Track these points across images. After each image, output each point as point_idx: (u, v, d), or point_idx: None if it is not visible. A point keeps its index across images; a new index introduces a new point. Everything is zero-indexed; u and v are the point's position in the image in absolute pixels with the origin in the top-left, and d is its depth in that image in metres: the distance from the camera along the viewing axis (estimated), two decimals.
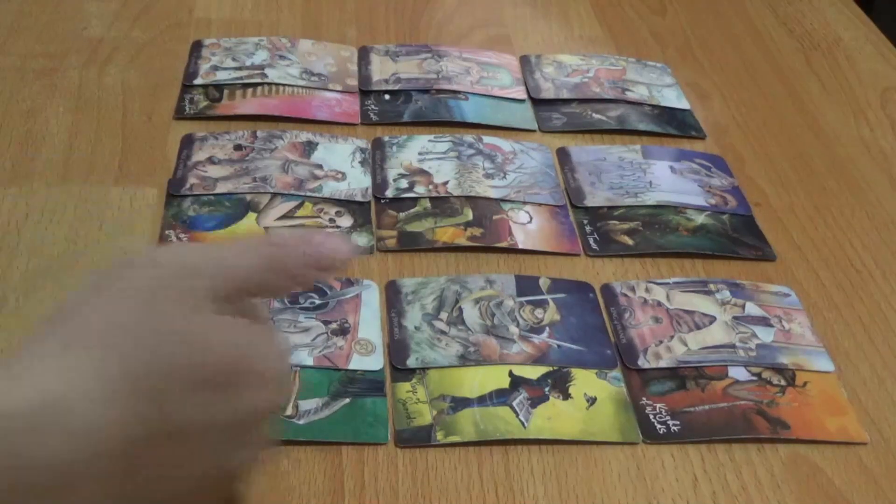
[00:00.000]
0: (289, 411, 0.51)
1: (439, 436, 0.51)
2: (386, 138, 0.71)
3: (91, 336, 0.35)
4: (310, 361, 0.53)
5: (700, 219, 0.66)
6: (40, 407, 0.33)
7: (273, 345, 0.40)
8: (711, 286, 0.61)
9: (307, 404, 0.51)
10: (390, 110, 0.74)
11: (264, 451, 0.40)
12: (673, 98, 0.79)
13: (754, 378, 0.56)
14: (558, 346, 0.56)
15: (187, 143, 0.68)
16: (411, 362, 0.54)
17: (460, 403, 0.52)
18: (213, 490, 0.40)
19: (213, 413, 0.37)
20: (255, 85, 0.74)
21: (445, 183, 0.67)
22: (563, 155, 0.71)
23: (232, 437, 0.38)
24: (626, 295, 0.60)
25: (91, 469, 0.34)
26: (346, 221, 0.63)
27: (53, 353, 0.34)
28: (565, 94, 0.78)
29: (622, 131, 0.75)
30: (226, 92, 0.73)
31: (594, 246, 0.64)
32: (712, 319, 0.59)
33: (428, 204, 0.65)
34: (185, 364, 0.36)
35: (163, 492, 0.37)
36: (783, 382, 0.56)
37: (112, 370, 0.34)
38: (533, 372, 0.54)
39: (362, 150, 0.69)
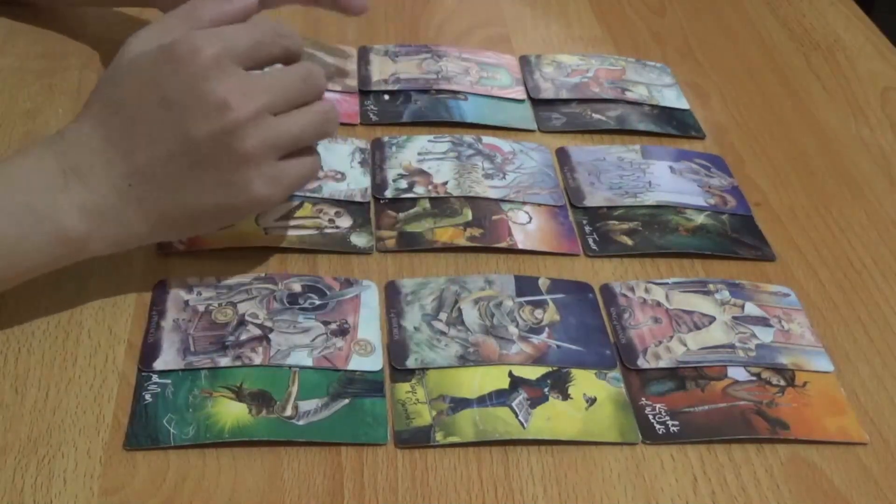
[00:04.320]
0: (288, 412, 0.51)
1: (439, 436, 0.51)
2: (385, 138, 0.71)
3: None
4: (309, 362, 0.53)
5: (699, 219, 0.66)
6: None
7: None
8: (711, 286, 0.61)
9: (306, 405, 0.51)
10: (390, 110, 0.74)
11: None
12: (672, 98, 0.79)
13: (754, 378, 0.56)
14: (558, 346, 0.56)
15: None
16: (410, 363, 0.54)
17: (460, 404, 0.52)
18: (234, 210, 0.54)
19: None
20: None
21: (445, 183, 0.67)
22: (562, 155, 0.71)
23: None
24: (625, 295, 0.60)
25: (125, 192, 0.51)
26: (345, 222, 0.63)
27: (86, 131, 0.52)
28: (565, 94, 0.77)
29: (622, 131, 0.75)
30: None
31: (593, 246, 0.64)
32: (712, 320, 0.59)
33: (427, 204, 0.65)
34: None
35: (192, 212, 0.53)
36: (783, 382, 0.56)
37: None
38: (532, 372, 0.54)
39: (362, 151, 0.69)
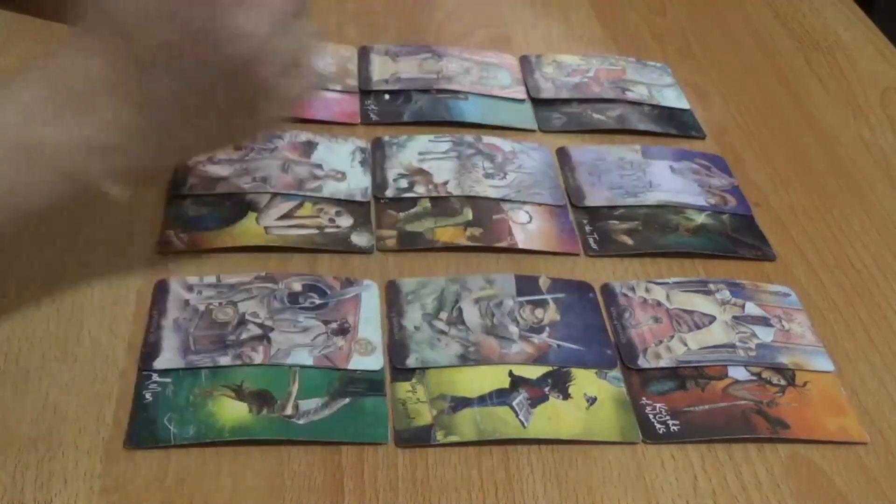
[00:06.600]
0: (289, 411, 0.51)
1: (439, 436, 0.51)
2: (386, 138, 0.71)
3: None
4: (310, 361, 0.53)
5: (700, 218, 0.66)
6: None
7: None
8: (711, 286, 0.61)
9: (307, 404, 0.51)
10: (390, 110, 0.74)
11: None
12: (673, 98, 0.79)
13: (754, 378, 0.56)
14: (558, 345, 0.56)
15: None
16: (411, 362, 0.54)
17: (460, 403, 0.52)
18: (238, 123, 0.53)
19: (190, 26, 0.47)
20: None
21: (445, 183, 0.67)
22: (562, 155, 0.71)
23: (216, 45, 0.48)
24: (625, 295, 0.60)
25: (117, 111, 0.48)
26: (345, 221, 0.63)
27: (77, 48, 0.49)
28: (565, 94, 0.77)
29: (622, 131, 0.75)
30: None
31: (594, 246, 0.64)
32: (712, 319, 0.59)
33: (428, 204, 0.65)
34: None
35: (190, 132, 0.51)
36: (783, 382, 0.56)
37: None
38: (533, 372, 0.54)
39: (362, 150, 0.69)
